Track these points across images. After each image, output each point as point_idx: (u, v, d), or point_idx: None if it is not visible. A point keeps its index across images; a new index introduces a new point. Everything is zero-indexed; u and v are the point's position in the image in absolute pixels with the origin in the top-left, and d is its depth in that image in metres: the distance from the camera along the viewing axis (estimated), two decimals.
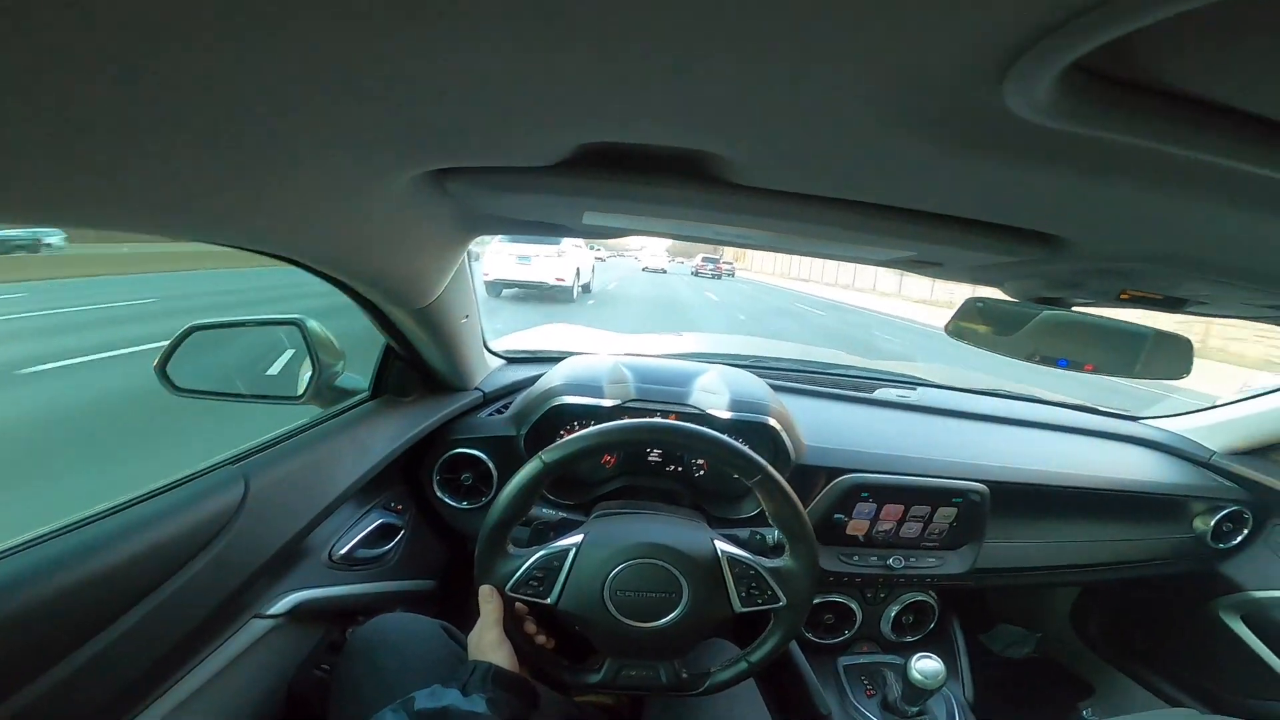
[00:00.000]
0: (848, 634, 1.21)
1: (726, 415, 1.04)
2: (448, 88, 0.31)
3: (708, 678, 0.74)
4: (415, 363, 0.98)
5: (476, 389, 1.12)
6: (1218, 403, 1.40)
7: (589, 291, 11.17)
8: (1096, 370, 0.79)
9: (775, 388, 1.19)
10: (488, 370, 1.19)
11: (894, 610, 1.21)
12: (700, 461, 1.11)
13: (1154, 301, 0.71)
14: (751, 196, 0.46)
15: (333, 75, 0.28)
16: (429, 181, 0.50)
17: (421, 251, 0.66)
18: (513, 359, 1.29)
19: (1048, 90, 0.24)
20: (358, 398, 0.96)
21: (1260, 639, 1.27)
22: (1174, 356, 0.79)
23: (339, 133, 0.36)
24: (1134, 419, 1.49)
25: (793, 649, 1.16)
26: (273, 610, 0.78)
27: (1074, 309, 0.79)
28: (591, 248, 11.74)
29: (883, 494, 1.06)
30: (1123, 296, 0.70)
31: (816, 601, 1.17)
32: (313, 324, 0.89)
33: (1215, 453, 1.32)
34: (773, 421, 1.04)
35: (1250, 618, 1.30)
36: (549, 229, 0.71)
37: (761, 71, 0.27)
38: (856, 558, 1.09)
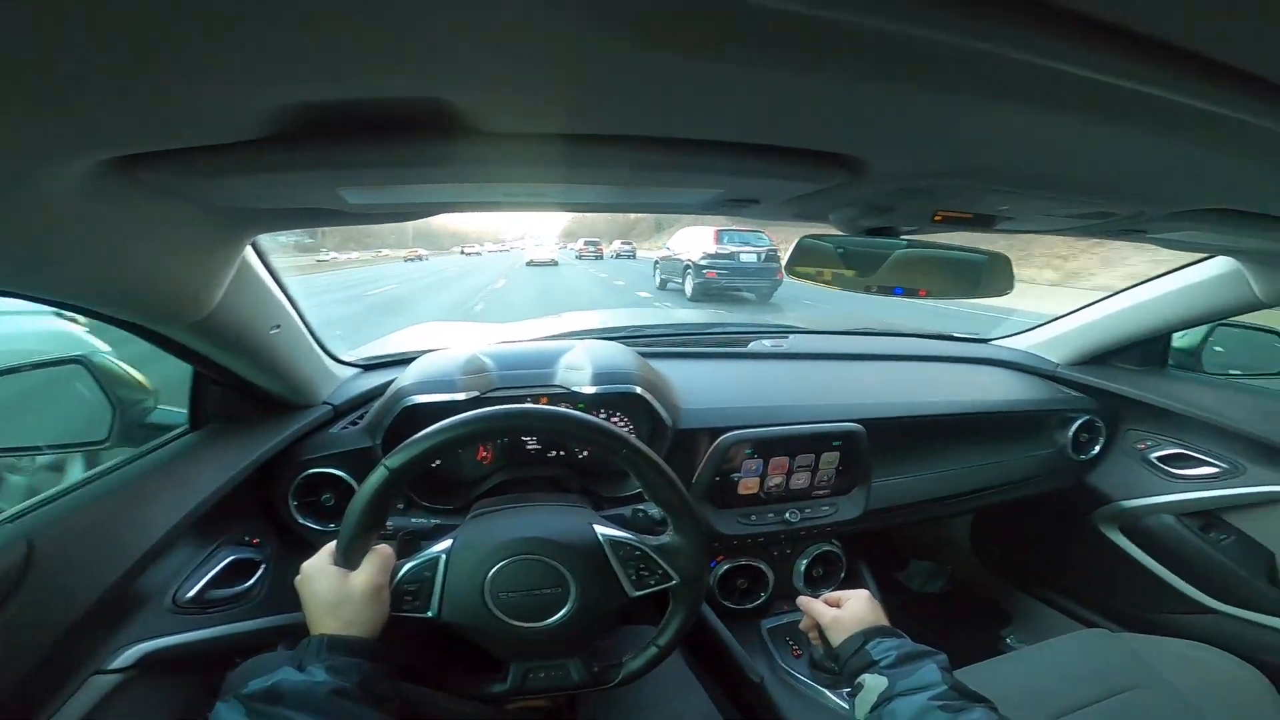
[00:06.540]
0: (764, 596, 1.21)
1: (591, 390, 1.00)
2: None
3: (621, 668, 0.73)
4: (237, 385, 0.88)
5: (325, 403, 1.02)
6: (1050, 318, 1.51)
7: None
8: (930, 295, 0.83)
9: (648, 354, 1.17)
10: (337, 381, 1.09)
11: (803, 564, 1.22)
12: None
13: (965, 221, 0.74)
14: (524, 146, 0.41)
15: None
16: (117, 173, 0.41)
17: (160, 256, 0.57)
18: (369, 366, 1.18)
19: None
20: (174, 433, 0.87)
21: (1142, 549, 1.34)
22: (997, 274, 0.85)
23: None
24: (984, 341, 1.60)
25: (713, 620, 1.15)
26: (114, 665, 0.73)
27: (904, 237, 0.82)
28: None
29: (766, 447, 1.07)
30: (937, 219, 0.72)
31: (727, 567, 1.17)
32: (101, 359, 0.81)
33: (1058, 364, 1.44)
34: (640, 390, 1.01)
35: (1127, 529, 1.37)
36: (321, 216, 0.63)
37: None
38: (754, 517, 1.10)
